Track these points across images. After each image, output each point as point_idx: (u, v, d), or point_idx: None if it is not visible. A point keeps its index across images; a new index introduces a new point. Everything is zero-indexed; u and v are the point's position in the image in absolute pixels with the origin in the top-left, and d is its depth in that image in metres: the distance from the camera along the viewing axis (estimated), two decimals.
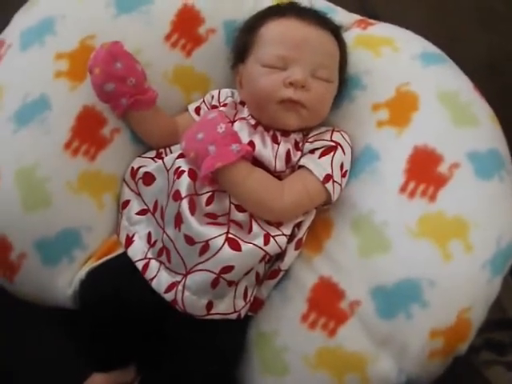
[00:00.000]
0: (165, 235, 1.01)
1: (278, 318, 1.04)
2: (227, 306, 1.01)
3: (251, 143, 1.03)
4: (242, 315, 1.03)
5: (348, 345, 0.99)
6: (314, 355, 0.99)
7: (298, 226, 1.04)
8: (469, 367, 1.04)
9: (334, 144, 1.04)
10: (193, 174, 1.00)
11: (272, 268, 1.05)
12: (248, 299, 1.03)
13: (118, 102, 1.04)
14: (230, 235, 0.97)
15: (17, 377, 1.07)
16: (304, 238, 1.05)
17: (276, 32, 1.06)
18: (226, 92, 1.14)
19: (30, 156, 1.02)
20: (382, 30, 1.19)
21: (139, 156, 1.11)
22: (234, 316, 1.01)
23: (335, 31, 1.10)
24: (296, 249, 1.03)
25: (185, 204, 0.98)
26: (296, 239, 1.03)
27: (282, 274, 1.04)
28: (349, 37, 1.15)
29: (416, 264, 0.98)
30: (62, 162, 1.03)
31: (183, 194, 0.99)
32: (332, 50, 1.08)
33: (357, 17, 1.24)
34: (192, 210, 0.98)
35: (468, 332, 0.99)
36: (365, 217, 1.02)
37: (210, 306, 0.99)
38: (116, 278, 1.03)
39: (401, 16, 1.23)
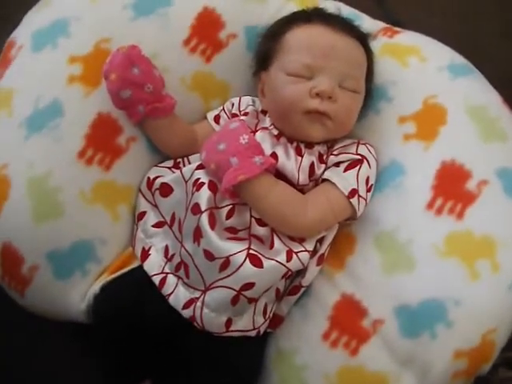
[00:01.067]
0: (183, 249, 0.96)
1: (299, 336, 0.99)
2: (246, 323, 0.96)
3: (274, 155, 0.98)
4: (261, 332, 0.99)
5: (370, 364, 0.95)
6: (335, 374, 0.95)
7: (320, 241, 1.00)
8: None
9: (359, 157, 0.99)
10: (213, 187, 0.95)
11: (293, 284, 1.00)
12: (267, 316, 0.99)
13: (135, 109, 0.98)
14: (251, 251, 0.93)
15: None
16: (326, 254, 1.00)
17: (302, 39, 1.01)
18: (246, 100, 1.08)
19: (41, 164, 0.97)
20: (408, 38, 1.13)
21: (156, 165, 1.05)
22: (253, 333, 0.97)
23: (363, 39, 1.05)
24: (318, 264, 0.99)
25: (204, 218, 0.93)
26: (318, 255, 0.99)
27: (303, 290, 1.00)
28: (375, 45, 1.09)
29: (442, 283, 0.94)
30: (76, 171, 0.98)
31: (203, 208, 0.94)
32: (360, 60, 1.03)
33: (382, 24, 1.18)
34: (212, 225, 0.93)
35: (492, 353, 0.96)
36: (389, 233, 0.98)
37: (229, 323, 0.95)
38: (131, 292, 0.98)
39: (424, 23, 1.19)
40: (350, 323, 0.97)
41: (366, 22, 1.16)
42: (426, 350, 0.93)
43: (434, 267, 0.95)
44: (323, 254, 0.99)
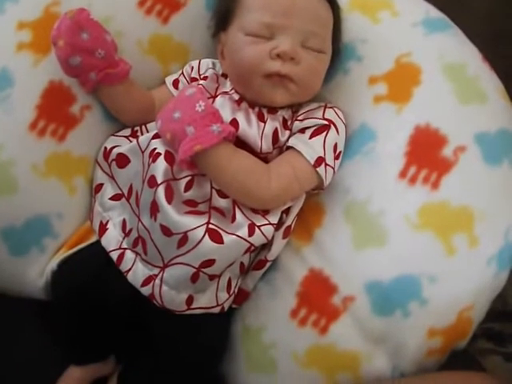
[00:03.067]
0: (140, 224, 0.87)
1: (266, 312, 0.91)
2: (209, 300, 0.88)
3: (234, 121, 0.88)
4: (226, 308, 0.91)
5: (341, 343, 0.86)
6: (305, 353, 0.87)
7: (286, 212, 0.90)
8: (464, 355, 0.95)
9: (326, 122, 0.88)
10: (170, 157, 0.85)
11: (258, 258, 0.91)
12: (232, 291, 0.90)
13: (87, 76, 0.89)
14: (210, 226, 0.83)
15: None
16: (293, 226, 0.90)
17: None
18: (206, 63, 0.98)
19: None
20: None
21: (113, 135, 0.96)
22: (216, 310, 0.89)
23: None
24: (284, 237, 0.90)
25: (161, 191, 0.84)
26: (284, 227, 0.89)
27: (268, 264, 0.91)
28: (343, 0, 0.97)
29: (416, 259, 0.85)
30: (28, 144, 0.89)
31: (159, 180, 0.84)
32: (325, 16, 0.91)
33: None
34: (169, 198, 0.84)
35: (468, 330, 0.88)
36: (359, 204, 0.88)
37: (190, 300, 0.87)
38: (90, 268, 0.90)
39: None
40: (318, 300, 0.88)
41: None
42: (399, 328, 0.85)
43: (407, 241, 0.85)
44: (290, 226, 0.90)
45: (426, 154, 0.87)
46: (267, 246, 0.90)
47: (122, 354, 0.97)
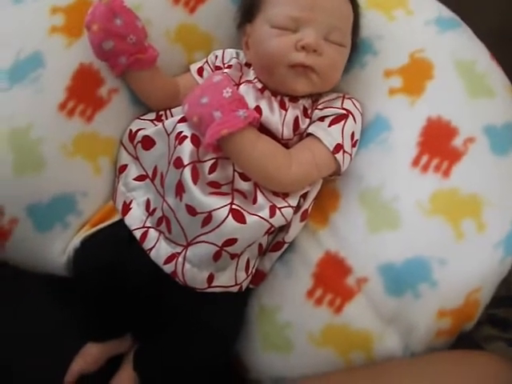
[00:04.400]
0: (165, 204, 0.89)
1: (282, 293, 0.93)
2: (228, 279, 0.90)
3: (258, 108, 0.91)
4: (244, 288, 0.93)
5: (354, 322, 0.89)
6: (320, 332, 0.90)
7: (304, 196, 0.93)
8: (469, 342, 0.98)
9: (344, 112, 0.92)
10: (196, 140, 0.88)
11: (276, 239, 0.94)
12: (250, 271, 0.93)
13: (117, 60, 0.91)
14: (234, 206, 0.86)
15: (7, 347, 0.95)
16: (310, 209, 0.93)
17: None
18: (230, 52, 1.00)
19: (22, 116, 0.89)
20: None
21: (138, 118, 0.98)
22: (235, 289, 0.91)
23: None
24: (301, 220, 0.92)
25: (187, 172, 0.86)
26: (302, 210, 0.92)
27: (286, 246, 0.93)
28: None
29: (427, 242, 0.88)
30: (57, 124, 0.91)
31: (185, 162, 0.86)
32: (346, 12, 0.95)
33: None
34: (195, 179, 0.86)
35: (476, 312, 0.90)
36: (373, 190, 0.91)
37: (211, 278, 0.89)
38: (112, 246, 0.91)
39: None
40: (334, 281, 0.90)
41: None
42: (410, 308, 0.88)
43: (419, 226, 0.88)
44: (307, 210, 0.93)
45: (438, 144, 0.91)
46: (285, 228, 0.93)
47: (139, 333, 0.97)
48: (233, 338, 0.95)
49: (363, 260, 0.90)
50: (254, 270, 0.94)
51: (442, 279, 0.87)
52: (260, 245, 0.92)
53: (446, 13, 1.02)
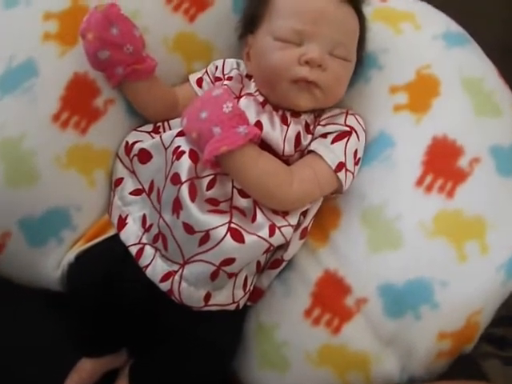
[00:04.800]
0: (161, 220, 0.86)
1: (280, 311, 0.91)
2: (226, 297, 0.88)
3: (258, 123, 0.88)
4: (241, 305, 0.90)
5: (352, 343, 0.87)
6: (317, 352, 0.88)
7: (304, 213, 0.90)
8: (465, 358, 0.97)
9: (348, 129, 0.89)
10: (194, 156, 0.85)
11: (274, 257, 0.91)
12: (248, 289, 0.90)
13: (113, 71, 0.87)
14: (232, 225, 0.83)
15: (2, 361, 0.93)
16: (309, 227, 0.90)
17: (292, 2, 0.90)
18: (231, 63, 0.97)
19: (15, 127, 0.86)
20: (402, 3, 1.02)
21: (135, 129, 0.94)
22: (232, 307, 0.89)
23: (356, 4, 0.92)
24: (301, 238, 0.90)
25: (185, 189, 0.83)
26: (301, 228, 0.89)
27: (284, 264, 0.91)
28: (367, 9, 0.96)
29: (429, 263, 0.86)
30: (51, 135, 0.87)
31: (183, 178, 0.84)
32: (352, 26, 0.91)
33: None
34: (192, 196, 0.83)
35: (476, 334, 0.89)
36: (376, 208, 0.89)
37: (207, 297, 0.86)
38: (107, 262, 0.89)
39: None
40: (332, 301, 0.88)
41: None
42: (410, 330, 0.86)
43: (421, 246, 0.87)
44: (306, 228, 0.90)
45: (443, 164, 0.89)
46: (284, 245, 0.90)
47: (134, 348, 0.95)
48: (230, 354, 0.93)
49: (363, 280, 0.88)
50: (251, 288, 0.91)
51: (443, 301, 0.85)
52: (258, 262, 0.90)
53: (455, 27, 0.99)
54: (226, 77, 0.95)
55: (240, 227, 0.84)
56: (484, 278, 0.86)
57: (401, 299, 0.86)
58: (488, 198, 0.88)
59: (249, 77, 0.95)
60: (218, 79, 0.96)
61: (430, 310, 0.85)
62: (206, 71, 0.97)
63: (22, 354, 0.92)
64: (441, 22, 0.99)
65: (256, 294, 0.93)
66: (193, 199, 0.83)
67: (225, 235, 0.83)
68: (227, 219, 0.84)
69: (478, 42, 1.00)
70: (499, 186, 0.89)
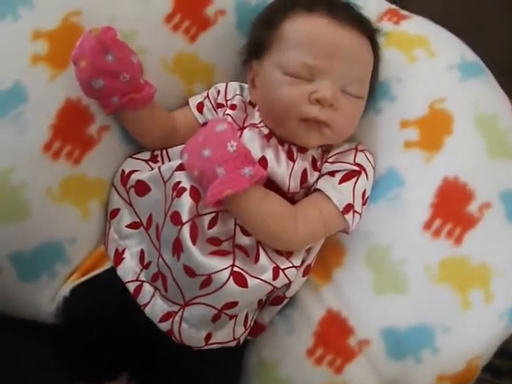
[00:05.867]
0: (161, 260, 0.82)
1: (282, 348, 0.88)
2: (226, 335, 0.85)
3: (263, 159, 0.83)
4: (241, 341, 0.87)
5: (354, 383, 0.85)
6: None
7: (308, 250, 0.86)
8: None
9: (357, 168, 0.84)
10: (195, 194, 0.79)
11: (276, 294, 0.87)
12: (248, 325, 0.87)
13: (109, 100, 0.81)
14: (235, 268, 0.79)
15: None
16: (312, 264, 0.87)
17: (303, 33, 0.82)
18: (234, 87, 0.90)
19: (3, 158, 0.79)
20: (416, 26, 0.95)
21: (131, 157, 0.88)
22: (233, 344, 0.86)
23: (371, 35, 0.86)
24: (304, 275, 0.86)
25: (186, 230, 0.78)
26: (304, 265, 0.86)
27: (286, 300, 0.87)
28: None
29: (432, 309, 0.84)
30: (42, 167, 0.81)
31: (184, 219, 0.78)
32: (367, 60, 0.85)
33: (387, 4, 0.97)
34: (194, 238, 0.78)
35: (474, 375, 0.88)
36: (381, 249, 0.85)
37: (208, 337, 0.83)
38: (104, 297, 0.84)
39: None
40: (335, 341, 0.86)
41: (371, 2, 0.95)
42: (410, 373, 0.85)
43: (426, 292, 0.84)
44: (310, 265, 0.87)
45: (453, 208, 0.85)
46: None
47: (135, 373, 0.91)
48: None
49: (366, 322, 0.85)
50: (252, 323, 0.88)
51: (444, 346, 0.84)
52: (260, 300, 0.86)
53: (470, 56, 0.93)
54: (228, 104, 0.89)
55: (243, 270, 0.80)
56: (487, 326, 0.85)
57: (403, 343, 0.84)
58: (496, 245, 0.85)
59: (253, 104, 0.89)
60: (220, 105, 0.89)
61: (430, 355, 0.84)
62: (208, 95, 0.91)
63: (18, 380, 0.89)
64: (455, 50, 0.93)
65: (257, 329, 0.90)
66: (194, 241, 0.79)
67: (227, 279, 0.79)
68: (230, 262, 0.80)
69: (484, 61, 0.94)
70: (508, 233, 0.85)
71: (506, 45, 1.15)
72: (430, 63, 0.91)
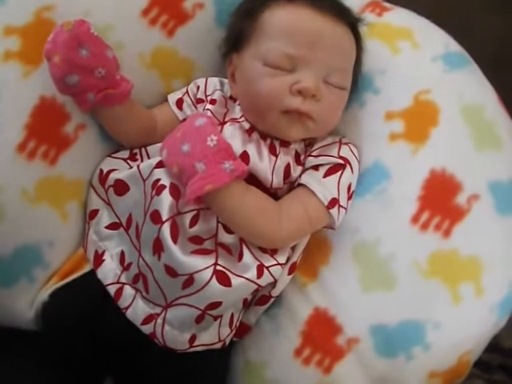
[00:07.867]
0: (141, 260, 0.77)
1: (269, 349, 0.84)
2: (212, 337, 0.80)
3: (245, 154, 0.78)
4: (227, 343, 0.83)
5: (343, 382, 0.81)
6: None
7: (293, 247, 0.82)
8: None
9: (341, 162, 0.80)
10: (175, 191, 0.75)
11: (261, 293, 0.83)
12: (234, 326, 0.83)
13: (84, 96, 0.76)
14: (218, 267, 0.74)
15: None
16: (298, 262, 0.82)
17: (283, 23, 0.78)
18: (214, 82, 0.86)
19: None
20: (399, 18, 0.91)
21: (109, 156, 0.84)
22: (218, 345, 0.81)
23: (353, 25, 0.82)
24: (289, 273, 0.82)
25: (166, 229, 0.74)
26: (290, 263, 0.81)
27: (272, 300, 0.83)
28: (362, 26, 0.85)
29: (422, 305, 0.79)
30: (16, 168, 0.76)
31: (164, 217, 0.74)
32: (349, 50, 0.81)
33: None
34: (174, 237, 0.74)
35: (466, 371, 0.84)
36: (369, 245, 0.81)
37: (192, 339, 0.78)
38: (84, 300, 0.80)
39: None
40: (323, 340, 0.81)
41: None
42: (401, 370, 0.81)
43: (415, 287, 0.80)
44: (295, 262, 0.82)
45: (440, 201, 0.81)
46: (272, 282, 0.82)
47: (120, 377, 0.86)
48: None
49: (355, 320, 0.81)
50: (237, 324, 0.84)
51: (435, 342, 0.79)
52: (245, 299, 0.82)
53: (454, 46, 0.89)
54: (208, 99, 0.84)
55: (226, 269, 0.75)
56: (477, 320, 0.80)
57: (393, 340, 0.79)
58: (485, 237, 0.81)
59: (233, 99, 0.85)
60: (199, 101, 0.85)
61: (421, 351, 0.79)
62: (187, 91, 0.86)
63: None
64: (440, 41, 0.89)
65: (242, 330, 0.86)
66: (175, 240, 0.74)
67: (210, 279, 0.74)
68: (212, 261, 0.75)
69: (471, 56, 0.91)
70: (497, 224, 0.81)
71: (492, 37, 1.11)
72: (414, 54, 0.87)
